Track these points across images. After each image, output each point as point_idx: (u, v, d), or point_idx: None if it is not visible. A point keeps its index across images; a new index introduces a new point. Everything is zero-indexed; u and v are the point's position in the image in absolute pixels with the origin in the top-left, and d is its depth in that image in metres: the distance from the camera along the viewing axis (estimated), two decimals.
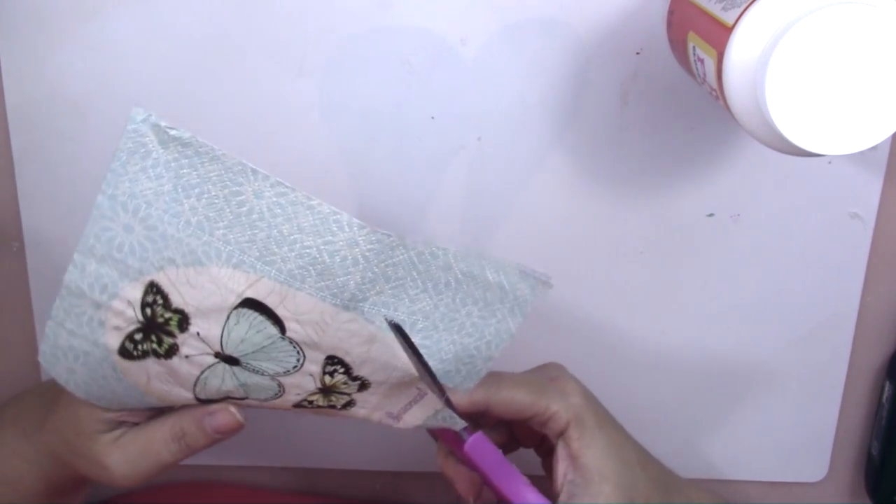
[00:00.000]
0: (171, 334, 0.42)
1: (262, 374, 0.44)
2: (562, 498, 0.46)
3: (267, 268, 0.41)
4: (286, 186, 0.41)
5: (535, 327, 0.55)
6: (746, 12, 0.39)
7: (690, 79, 0.49)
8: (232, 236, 0.41)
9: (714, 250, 0.57)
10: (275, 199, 0.41)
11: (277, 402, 0.45)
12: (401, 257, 0.42)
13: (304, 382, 0.44)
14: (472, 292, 0.43)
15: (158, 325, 0.42)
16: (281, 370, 0.44)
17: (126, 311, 0.42)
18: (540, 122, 0.54)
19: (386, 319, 0.43)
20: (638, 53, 0.52)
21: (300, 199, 0.41)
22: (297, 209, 0.41)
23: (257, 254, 0.41)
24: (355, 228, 0.41)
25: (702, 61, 0.43)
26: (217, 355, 0.43)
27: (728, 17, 0.40)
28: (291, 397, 0.45)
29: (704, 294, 0.58)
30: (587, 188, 0.55)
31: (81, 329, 0.42)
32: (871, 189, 0.55)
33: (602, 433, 0.46)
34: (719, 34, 0.41)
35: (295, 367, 0.44)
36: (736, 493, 0.63)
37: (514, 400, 0.46)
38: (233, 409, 0.45)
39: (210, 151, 0.40)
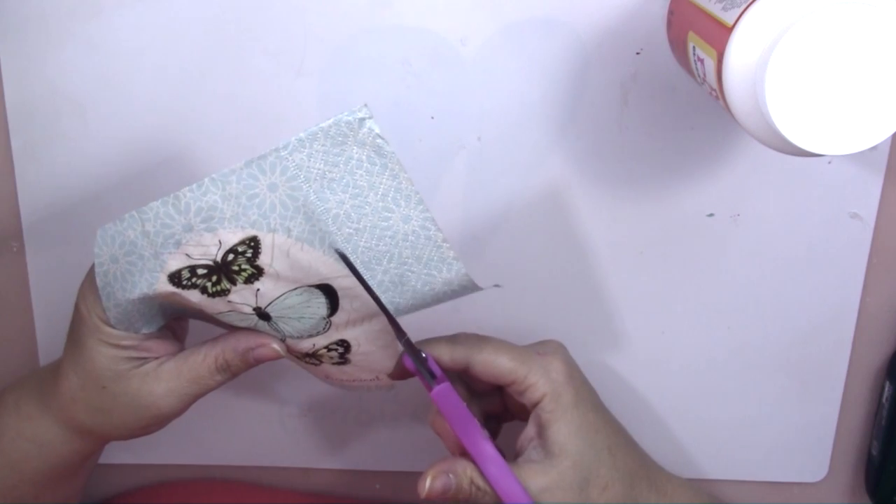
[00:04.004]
0: (233, 282, 0.43)
1: (279, 332, 0.46)
2: (520, 459, 0.47)
3: (364, 274, 0.43)
4: (433, 226, 0.43)
5: (535, 326, 0.55)
6: (746, 12, 0.39)
7: (690, 79, 0.49)
8: (354, 240, 0.42)
9: (714, 250, 0.57)
10: (418, 230, 0.43)
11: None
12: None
13: (303, 346, 0.46)
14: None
15: (230, 271, 0.43)
16: (296, 336, 0.46)
17: (210, 248, 0.42)
18: (540, 122, 0.54)
19: (335, 250, 0.43)
20: (638, 53, 0.52)
21: (434, 238, 0.43)
22: (428, 244, 0.43)
23: (365, 259, 0.43)
24: (455, 271, 0.44)
25: (702, 61, 0.43)
26: (256, 309, 0.44)
27: (728, 17, 0.40)
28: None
29: (704, 294, 0.58)
30: (587, 188, 0.55)
31: (157, 237, 0.42)
32: (871, 189, 0.55)
33: (577, 412, 0.47)
34: (719, 34, 0.41)
35: (310, 337, 0.46)
36: (736, 494, 0.63)
37: (495, 363, 0.47)
38: (275, 345, 0.46)
39: (394, 169, 0.41)
